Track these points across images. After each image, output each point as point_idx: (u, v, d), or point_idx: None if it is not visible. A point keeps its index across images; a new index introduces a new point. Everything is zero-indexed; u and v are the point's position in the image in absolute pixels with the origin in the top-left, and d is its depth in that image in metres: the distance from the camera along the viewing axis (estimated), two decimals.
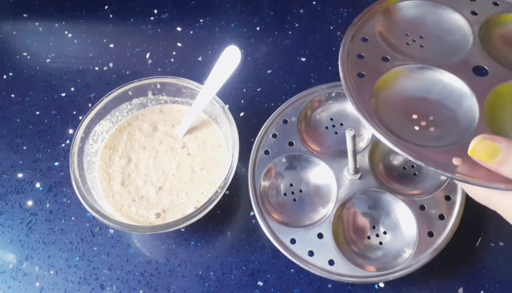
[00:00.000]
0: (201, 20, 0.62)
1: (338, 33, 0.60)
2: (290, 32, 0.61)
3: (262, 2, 0.64)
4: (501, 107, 0.37)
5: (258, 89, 0.56)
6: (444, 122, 0.37)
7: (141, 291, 0.45)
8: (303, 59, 0.58)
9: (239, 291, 0.44)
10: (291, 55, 0.58)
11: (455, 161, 0.33)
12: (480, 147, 0.31)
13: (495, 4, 0.43)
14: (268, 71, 0.57)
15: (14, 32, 0.63)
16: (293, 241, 0.44)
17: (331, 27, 0.61)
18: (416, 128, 0.36)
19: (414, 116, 0.37)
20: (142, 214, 0.46)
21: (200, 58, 0.59)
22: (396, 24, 0.43)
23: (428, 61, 0.39)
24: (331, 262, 0.42)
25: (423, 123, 0.37)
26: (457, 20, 0.42)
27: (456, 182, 0.35)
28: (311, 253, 0.43)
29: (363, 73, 0.38)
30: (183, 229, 0.47)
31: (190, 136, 0.50)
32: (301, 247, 0.43)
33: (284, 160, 0.48)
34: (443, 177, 0.46)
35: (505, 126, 0.36)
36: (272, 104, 0.54)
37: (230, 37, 0.61)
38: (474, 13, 0.42)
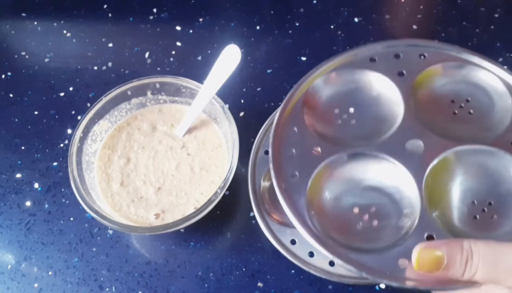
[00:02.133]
0: (201, 19, 0.62)
1: (339, 32, 0.60)
2: (290, 31, 0.60)
3: (262, 1, 0.64)
4: (438, 182, 0.37)
5: (258, 89, 0.56)
6: (386, 211, 0.37)
7: (140, 292, 0.45)
8: (304, 59, 0.58)
9: (239, 292, 0.44)
10: (291, 55, 0.58)
11: (401, 263, 0.33)
12: (424, 260, 0.31)
13: (422, 56, 0.41)
14: (268, 71, 0.57)
15: (13, 32, 0.63)
16: (293, 241, 0.43)
17: (332, 26, 0.61)
18: (360, 224, 0.36)
19: (356, 210, 0.37)
20: (141, 214, 0.45)
21: (199, 58, 0.58)
22: (322, 104, 0.41)
23: (360, 141, 0.39)
24: (331, 263, 0.42)
25: (366, 217, 0.37)
26: (385, 86, 0.41)
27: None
28: (311, 254, 0.43)
29: (296, 173, 0.37)
30: (182, 230, 0.47)
31: (190, 136, 0.50)
32: (301, 248, 0.43)
33: None
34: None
35: (441, 200, 0.36)
36: (272, 104, 0.54)
37: (230, 36, 0.60)
38: (401, 74, 0.41)
